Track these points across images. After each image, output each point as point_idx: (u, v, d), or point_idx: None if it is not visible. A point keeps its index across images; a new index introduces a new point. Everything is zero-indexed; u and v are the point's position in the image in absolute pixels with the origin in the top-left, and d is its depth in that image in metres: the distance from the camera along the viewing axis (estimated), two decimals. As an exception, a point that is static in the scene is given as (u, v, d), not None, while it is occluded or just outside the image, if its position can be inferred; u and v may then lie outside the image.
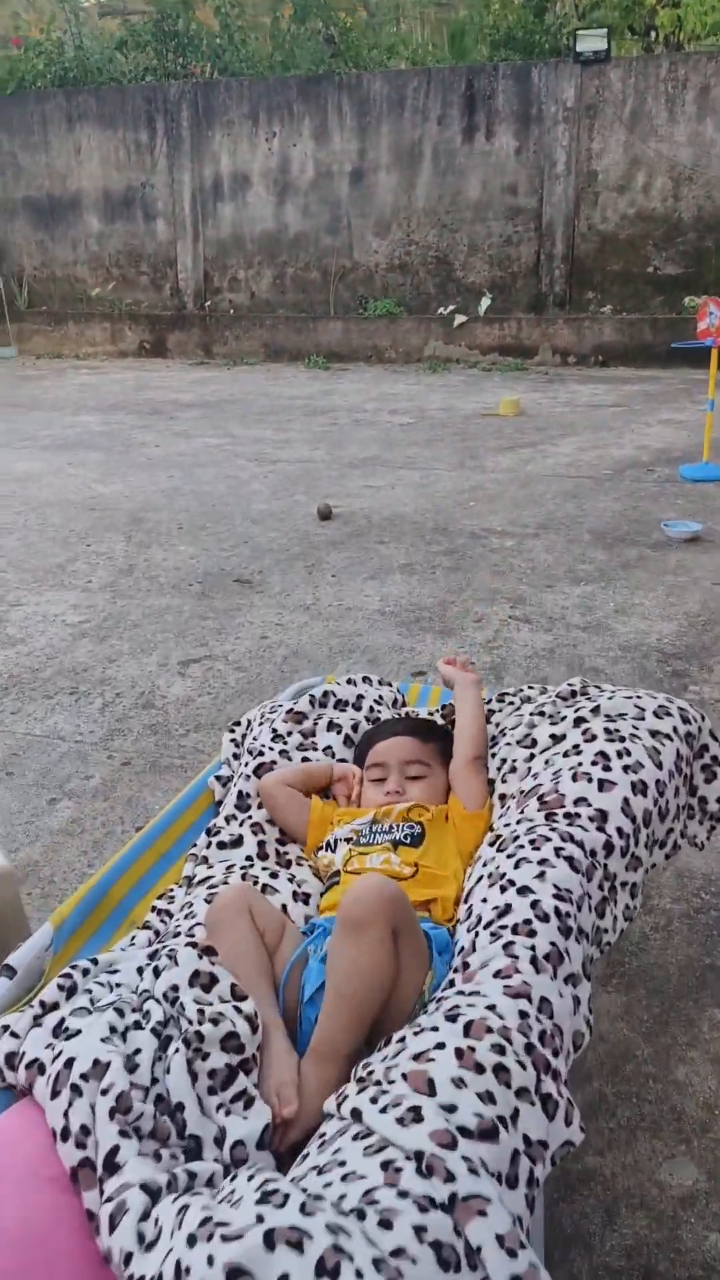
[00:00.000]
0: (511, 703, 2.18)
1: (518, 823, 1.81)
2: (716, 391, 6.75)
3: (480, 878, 1.77)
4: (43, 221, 13.96)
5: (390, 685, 2.40)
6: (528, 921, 1.59)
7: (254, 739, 2.24)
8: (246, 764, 2.14)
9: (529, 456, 7.38)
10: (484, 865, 1.79)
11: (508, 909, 1.63)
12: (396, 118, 12.20)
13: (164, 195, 13.33)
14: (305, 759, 2.15)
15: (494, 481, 6.71)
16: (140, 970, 1.63)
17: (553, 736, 1.98)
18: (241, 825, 2.03)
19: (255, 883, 1.87)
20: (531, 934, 1.57)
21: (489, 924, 1.63)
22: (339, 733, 2.19)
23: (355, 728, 2.22)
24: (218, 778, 2.20)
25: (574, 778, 1.85)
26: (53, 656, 4.15)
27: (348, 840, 1.91)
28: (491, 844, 1.82)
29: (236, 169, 12.97)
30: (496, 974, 1.49)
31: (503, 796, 1.98)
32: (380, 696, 2.32)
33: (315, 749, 2.17)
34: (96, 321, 13.65)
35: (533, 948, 1.55)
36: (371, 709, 2.27)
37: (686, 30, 11.54)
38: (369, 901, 1.48)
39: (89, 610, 4.64)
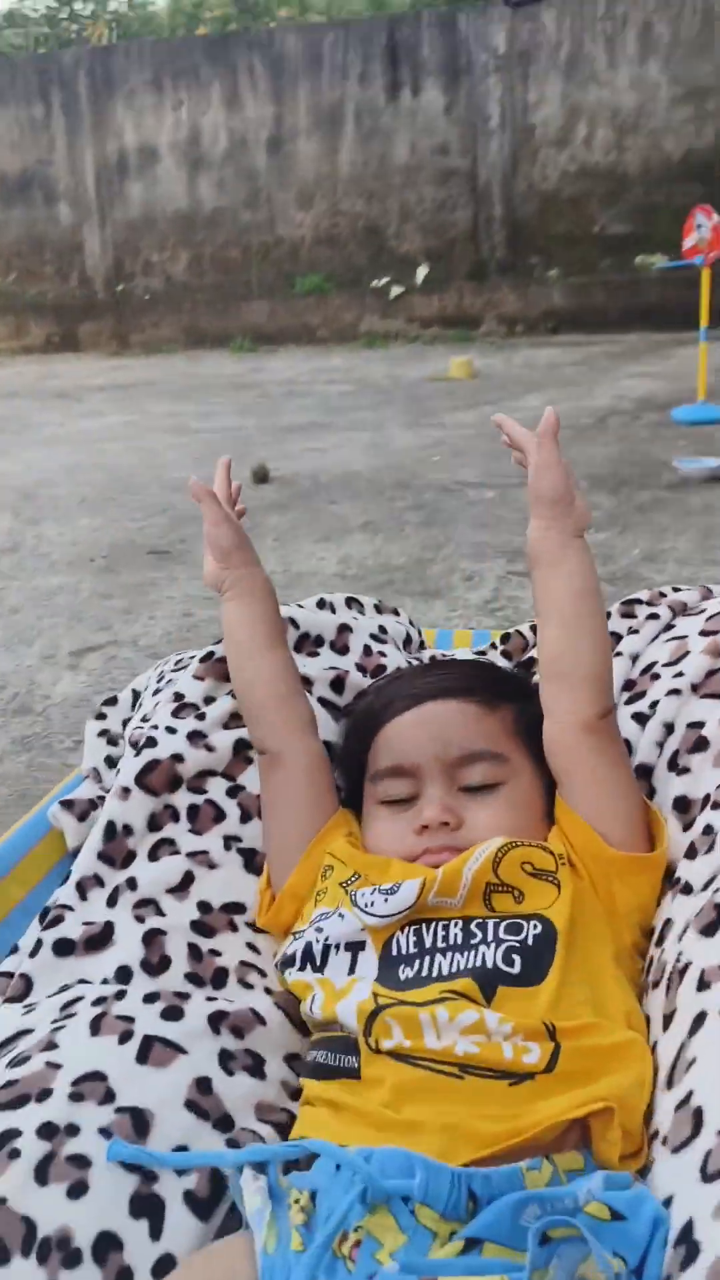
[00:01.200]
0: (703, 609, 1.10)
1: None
2: (709, 318, 5.79)
3: (703, 1016, 0.69)
4: (-67, 213, 12.72)
5: (397, 614, 1.31)
6: None
7: (141, 722, 1.14)
8: (125, 769, 1.05)
9: (493, 412, 6.34)
10: (699, 985, 0.72)
11: None
12: (314, 77, 11.21)
13: (65, 175, 12.17)
14: (239, 740, 1.05)
15: (458, 437, 5.68)
16: None
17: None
18: (114, 902, 0.94)
19: (124, 1038, 0.78)
20: None
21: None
22: (309, 690, 1.10)
23: (338, 685, 1.13)
24: (64, 803, 1.10)
25: None
26: None
27: (350, 949, 0.83)
28: (706, 929, 0.75)
29: (143, 142, 11.87)
30: None
31: (691, 806, 0.90)
32: (382, 629, 1.24)
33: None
34: (-2, 316, 12.44)
35: None
36: (367, 651, 1.18)
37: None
38: None
39: (-47, 597, 3.50)
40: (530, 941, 0.79)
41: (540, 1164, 0.67)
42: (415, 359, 9.52)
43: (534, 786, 0.94)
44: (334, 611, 1.24)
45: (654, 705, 0.97)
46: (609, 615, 1.10)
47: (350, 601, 1.28)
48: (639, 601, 1.11)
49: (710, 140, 10.41)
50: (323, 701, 1.09)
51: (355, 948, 0.83)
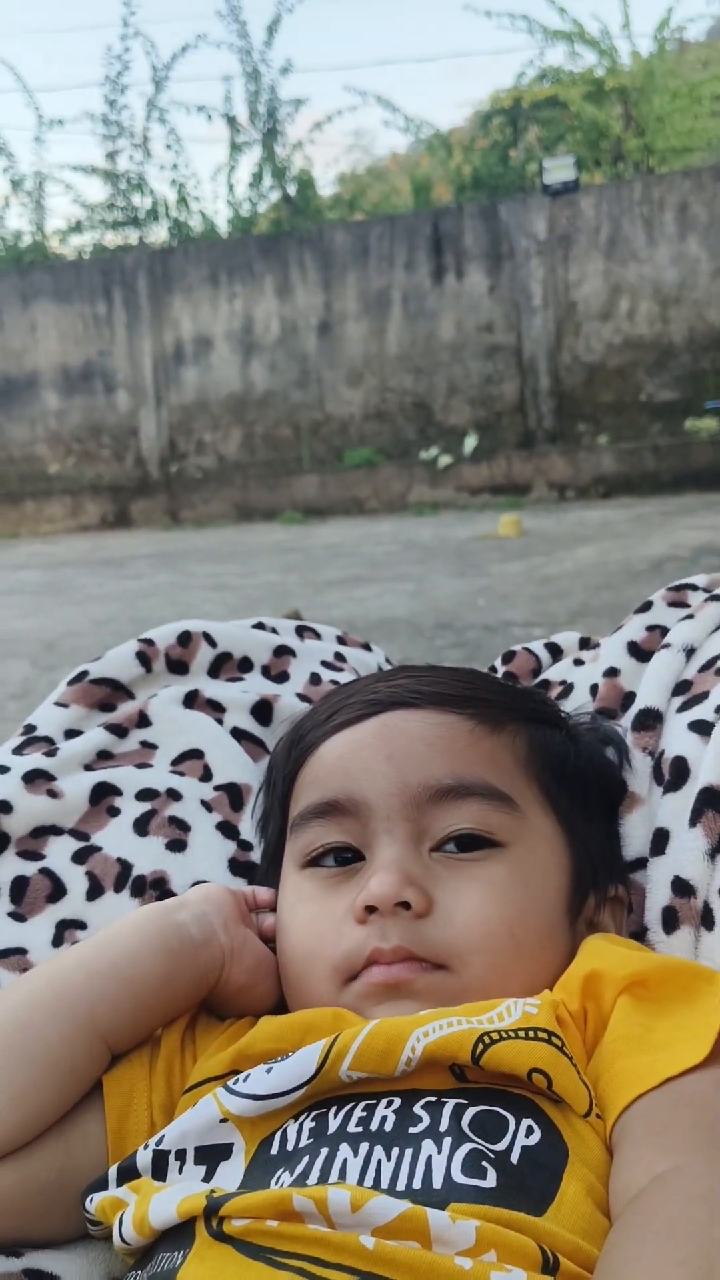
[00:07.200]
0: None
1: None
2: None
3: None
4: (-1, 404, 13.29)
5: (369, 649, 0.98)
6: None
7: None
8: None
9: (542, 562, 6.13)
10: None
11: None
12: (361, 268, 11.68)
13: (124, 365, 12.68)
14: (101, 784, 0.71)
15: (504, 583, 5.42)
16: None
17: None
18: None
19: None
20: None
21: None
22: (218, 719, 0.76)
23: (263, 712, 0.79)
24: None
25: None
26: None
27: (206, 1159, 0.46)
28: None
29: (198, 332, 12.38)
30: None
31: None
32: (338, 656, 0.90)
33: (145, 768, 0.73)
34: (55, 497, 12.75)
35: None
36: (315, 680, 0.85)
37: (656, 155, 11.17)
38: None
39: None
40: (515, 1158, 0.42)
41: None
42: (464, 523, 9.43)
43: (553, 858, 0.57)
44: (278, 633, 0.91)
45: (721, 709, 0.62)
46: (650, 605, 0.76)
47: (303, 630, 0.95)
48: (692, 587, 0.77)
49: (753, 309, 10.55)
50: (238, 733, 0.75)
51: (214, 1155, 0.46)
